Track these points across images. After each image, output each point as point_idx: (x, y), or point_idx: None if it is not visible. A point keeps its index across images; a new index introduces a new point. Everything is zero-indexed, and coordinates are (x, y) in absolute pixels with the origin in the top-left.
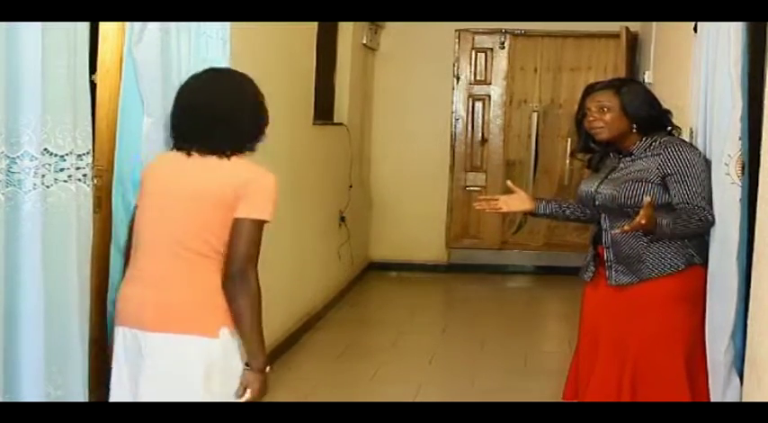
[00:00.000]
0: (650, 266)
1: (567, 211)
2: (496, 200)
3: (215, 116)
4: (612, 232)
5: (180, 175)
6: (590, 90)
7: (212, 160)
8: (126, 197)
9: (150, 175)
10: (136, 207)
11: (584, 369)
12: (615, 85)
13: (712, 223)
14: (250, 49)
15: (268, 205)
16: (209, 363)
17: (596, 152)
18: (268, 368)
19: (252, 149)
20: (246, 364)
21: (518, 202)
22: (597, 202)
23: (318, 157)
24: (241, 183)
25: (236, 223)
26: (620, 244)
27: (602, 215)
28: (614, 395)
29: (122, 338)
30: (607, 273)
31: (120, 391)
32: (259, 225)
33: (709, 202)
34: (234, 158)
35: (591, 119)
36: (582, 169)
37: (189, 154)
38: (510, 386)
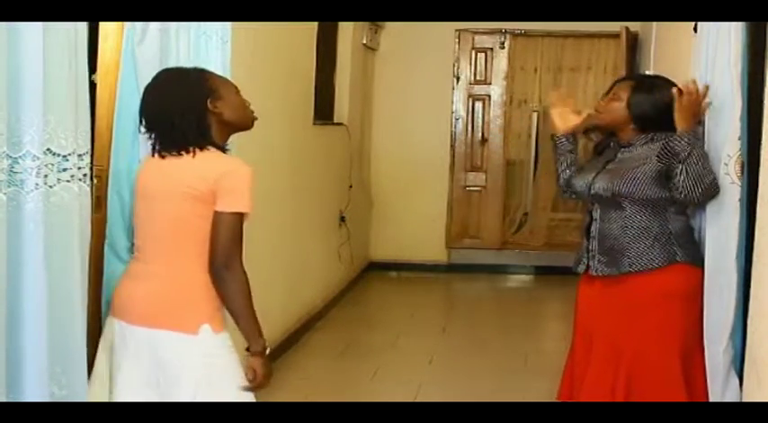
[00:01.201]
0: (631, 260)
1: (567, 164)
2: (569, 102)
3: (161, 116)
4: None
5: (157, 176)
6: (620, 79)
7: (184, 158)
8: (122, 195)
9: (137, 178)
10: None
11: (579, 368)
12: (636, 79)
13: (717, 190)
14: (250, 49)
15: (245, 198)
16: (186, 359)
17: (591, 137)
18: (268, 350)
19: (211, 144)
20: (247, 349)
21: (565, 117)
22: (592, 192)
23: (318, 157)
24: (215, 176)
25: (216, 217)
26: (607, 235)
27: (594, 205)
28: (608, 395)
29: (120, 330)
30: (590, 262)
31: (129, 386)
32: (239, 218)
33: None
34: (205, 153)
35: (600, 101)
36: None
37: (162, 156)
38: (510, 386)
